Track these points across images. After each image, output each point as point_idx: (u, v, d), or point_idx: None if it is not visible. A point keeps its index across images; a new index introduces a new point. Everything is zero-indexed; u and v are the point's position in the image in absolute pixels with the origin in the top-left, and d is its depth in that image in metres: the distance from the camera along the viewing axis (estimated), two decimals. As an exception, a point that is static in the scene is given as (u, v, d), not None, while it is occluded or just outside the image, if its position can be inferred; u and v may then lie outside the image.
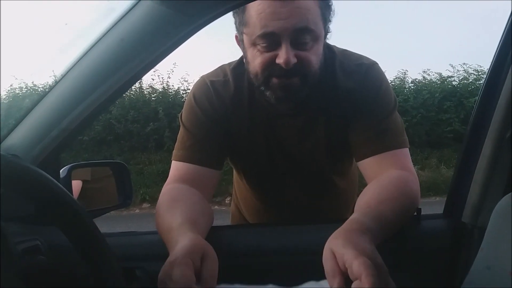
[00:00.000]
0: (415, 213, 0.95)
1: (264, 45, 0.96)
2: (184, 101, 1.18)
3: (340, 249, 0.70)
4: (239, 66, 1.11)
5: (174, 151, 1.11)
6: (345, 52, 1.10)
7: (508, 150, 0.90)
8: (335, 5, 1.01)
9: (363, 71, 1.06)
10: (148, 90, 9.36)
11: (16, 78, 9.57)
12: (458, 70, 9.78)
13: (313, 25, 0.96)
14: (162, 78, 9.36)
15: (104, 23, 0.83)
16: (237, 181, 1.39)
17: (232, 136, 1.12)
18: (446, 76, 9.78)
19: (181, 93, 9.28)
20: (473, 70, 9.66)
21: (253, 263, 0.92)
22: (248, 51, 1.01)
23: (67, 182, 1.00)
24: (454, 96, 9.27)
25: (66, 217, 0.67)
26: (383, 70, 1.10)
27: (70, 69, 0.86)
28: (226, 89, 1.10)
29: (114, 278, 0.70)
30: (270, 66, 0.98)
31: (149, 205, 7.22)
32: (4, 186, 0.61)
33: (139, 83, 8.91)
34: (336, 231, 0.76)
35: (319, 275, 0.73)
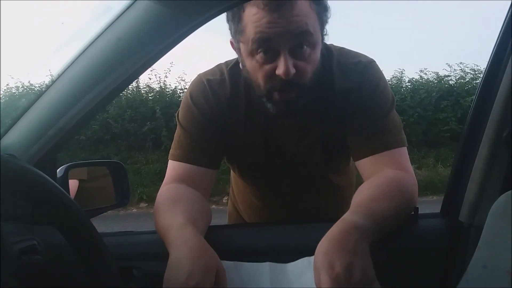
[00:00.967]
0: (412, 212, 0.95)
1: (262, 55, 0.95)
2: (181, 101, 1.17)
3: (320, 256, 0.74)
4: (236, 66, 1.10)
5: (171, 150, 1.11)
6: (342, 51, 1.10)
7: (505, 149, 0.90)
8: (332, 3, 1.01)
9: (361, 69, 1.05)
10: (145, 89, 9.34)
11: (13, 78, 9.53)
12: (455, 69, 9.81)
13: (311, 30, 0.94)
14: (159, 77, 9.34)
15: (101, 22, 0.83)
16: (235, 180, 1.38)
17: (229, 135, 1.12)
18: (443, 75, 9.81)
19: (178, 92, 9.25)
20: (470, 70, 9.69)
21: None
22: (247, 61, 0.99)
23: (64, 181, 1.00)
24: (451, 96, 9.29)
25: (63, 216, 0.67)
26: (381, 69, 1.09)
27: (67, 68, 0.86)
28: (222, 88, 1.09)
29: (111, 278, 0.70)
30: (271, 79, 0.96)
31: (147, 204, 7.21)
32: (1, 186, 0.61)
33: (136, 82, 8.88)
34: (325, 235, 0.78)
35: None
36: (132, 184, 7.19)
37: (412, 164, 1.04)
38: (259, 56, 0.95)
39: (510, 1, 0.88)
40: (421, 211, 0.96)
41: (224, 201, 6.82)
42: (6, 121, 0.96)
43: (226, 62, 1.15)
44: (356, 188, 0.97)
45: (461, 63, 9.76)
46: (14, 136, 0.89)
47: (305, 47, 0.95)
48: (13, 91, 9.18)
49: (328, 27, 1.02)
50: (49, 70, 6.46)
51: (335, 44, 1.11)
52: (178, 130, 1.12)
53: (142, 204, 7.36)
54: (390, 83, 9.51)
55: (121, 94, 7.59)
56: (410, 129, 8.56)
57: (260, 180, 1.24)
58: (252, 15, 0.93)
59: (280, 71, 0.93)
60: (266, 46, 0.94)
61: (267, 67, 0.96)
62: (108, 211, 1.16)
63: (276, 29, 0.91)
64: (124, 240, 0.98)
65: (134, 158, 8.54)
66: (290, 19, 0.91)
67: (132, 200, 7.15)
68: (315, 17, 0.96)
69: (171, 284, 0.75)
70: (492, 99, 0.90)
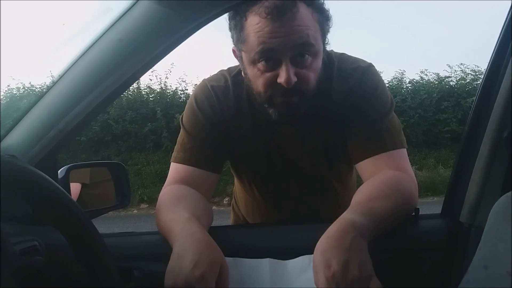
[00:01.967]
0: (413, 213, 0.95)
1: (264, 63, 0.95)
2: (182, 102, 1.19)
3: (318, 254, 0.74)
4: (239, 74, 1.11)
5: (173, 153, 1.11)
6: (342, 57, 1.10)
7: (505, 150, 0.90)
8: (333, 4, 1.01)
9: (360, 73, 1.06)
10: (146, 90, 9.35)
11: (14, 79, 9.53)
12: (455, 70, 9.82)
13: (313, 40, 0.94)
14: (160, 78, 9.36)
15: (102, 23, 0.83)
16: (237, 186, 1.39)
17: (232, 141, 1.12)
18: (443, 76, 9.82)
19: (179, 93, 9.26)
20: (471, 71, 9.70)
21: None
22: (248, 69, 1.00)
23: (65, 182, 1.00)
24: (451, 96, 9.29)
25: (63, 217, 0.67)
26: (381, 70, 1.12)
27: (68, 69, 0.86)
28: (226, 95, 1.10)
29: (111, 279, 0.70)
30: (272, 86, 0.97)
31: (147, 205, 7.22)
32: (2, 187, 0.61)
33: (137, 83, 8.90)
34: (324, 234, 0.78)
35: None
36: (133, 185, 7.20)
37: (412, 165, 1.05)
38: (260, 65, 0.96)
39: (510, 2, 0.88)
40: (422, 212, 0.96)
41: (224, 202, 6.83)
42: (7, 122, 0.96)
43: (229, 69, 1.15)
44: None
45: (461, 64, 9.79)
46: (15, 137, 0.90)
47: (306, 56, 0.95)
48: (14, 92, 9.20)
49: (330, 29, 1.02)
50: (50, 71, 6.48)
51: (336, 46, 1.12)
52: (181, 133, 1.12)
53: (143, 205, 7.36)
54: (391, 84, 9.52)
55: (122, 95, 7.59)
56: (411, 130, 8.57)
57: (262, 185, 1.25)
58: (254, 24, 0.93)
59: (281, 79, 0.94)
60: (268, 55, 0.94)
61: (268, 75, 0.96)
62: (109, 212, 1.16)
63: (278, 39, 0.91)
64: (124, 241, 0.98)
65: (134, 159, 8.55)
66: (292, 28, 0.91)
67: (133, 201, 7.15)
68: (316, 27, 0.96)
69: (174, 274, 0.74)
70: (493, 100, 0.90)
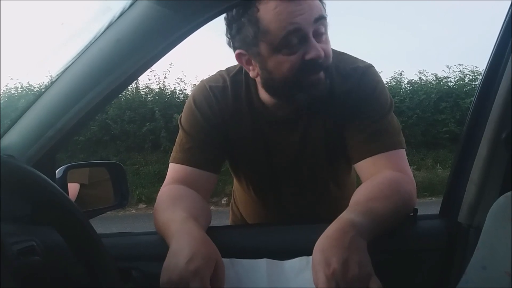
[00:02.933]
0: (411, 214, 0.96)
1: (289, 46, 0.95)
2: (180, 102, 1.19)
3: (317, 254, 0.75)
4: (238, 74, 1.11)
5: (172, 153, 1.11)
6: (341, 56, 1.10)
7: (504, 150, 0.90)
8: (333, 4, 1.02)
9: (359, 74, 1.06)
10: (144, 90, 9.35)
11: (12, 78, 9.53)
12: (454, 71, 9.85)
13: (325, 13, 0.97)
14: (158, 78, 9.36)
15: (100, 23, 0.83)
16: (236, 186, 1.39)
17: (230, 141, 1.12)
18: (442, 77, 9.84)
19: (177, 93, 9.26)
20: (469, 71, 9.72)
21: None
22: (270, 61, 0.98)
23: (63, 182, 1.00)
24: (450, 97, 9.31)
25: (62, 217, 0.67)
26: (380, 70, 1.10)
27: (66, 69, 0.86)
28: (224, 95, 1.10)
29: (110, 279, 0.70)
30: (300, 66, 0.96)
31: (145, 205, 7.22)
32: (0, 187, 0.61)
33: (136, 83, 8.89)
34: (323, 233, 0.79)
35: None
36: (131, 185, 7.19)
37: (411, 165, 1.05)
38: (286, 49, 0.95)
39: (510, 2, 0.88)
40: (420, 212, 0.97)
41: (223, 202, 6.83)
42: (5, 122, 0.95)
43: (227, 69, 1.15)
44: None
45: (460, 64, 9.81)
46: (13, 137, 0.89)
47: (323, 29, 0.97)
48: (12, 91, 9.20)
49: (328, 30, 1.03)
50: (48, 70, 6.47)
51: (335, 45, 1.11)
52: (180, 134, 1.12)
53: (141, 205, 7.36)
54: (389, 84, 9.53)
55: (120, 95, 7.59)
56: (409, 130, 8.58)
57: (262, 186, 1.25)
58: (272, 9, 0.93)
59: (311, 54, 0.94)
60: (294, 35, 0.94)
61: (294, 57, 0.96)
62: (107, 212, 1.16)
63: (301, 16, 0.93)
64: (123, 241, 0.98)
65: (133, 159, 8.54)
66: (308, 3, 0.93)
67: (131, 201, 7.15)
68: (319, 2, 0.98)
69: (170, 271, 0.75)
70: (491, 100, 0.90)
